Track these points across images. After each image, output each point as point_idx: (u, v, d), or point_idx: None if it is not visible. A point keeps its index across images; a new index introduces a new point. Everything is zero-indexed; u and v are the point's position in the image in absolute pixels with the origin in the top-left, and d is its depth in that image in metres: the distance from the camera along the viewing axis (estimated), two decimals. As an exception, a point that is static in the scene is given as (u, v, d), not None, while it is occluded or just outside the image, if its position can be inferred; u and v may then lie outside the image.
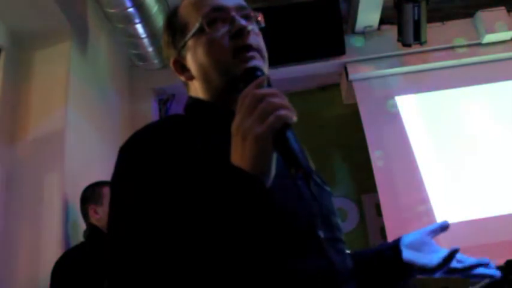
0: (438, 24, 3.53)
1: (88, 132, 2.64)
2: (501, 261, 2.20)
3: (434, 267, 0.87)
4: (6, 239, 2.13)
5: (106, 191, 2.03)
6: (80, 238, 2.10)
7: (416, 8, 3.16)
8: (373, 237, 3.35)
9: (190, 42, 0.81)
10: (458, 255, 0.88)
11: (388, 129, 3.37)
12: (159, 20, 2.92)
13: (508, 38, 3.52)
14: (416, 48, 3.37)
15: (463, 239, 2.53)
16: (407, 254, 0.90)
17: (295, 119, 0.59)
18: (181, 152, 0.68)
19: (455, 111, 3.42)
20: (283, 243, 0.66)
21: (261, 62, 0.78)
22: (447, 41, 3.52)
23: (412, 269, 0.90)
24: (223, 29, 0.79)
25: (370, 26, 3.53)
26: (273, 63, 0.90)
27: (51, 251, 2.06)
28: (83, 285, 1.74)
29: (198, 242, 0.58)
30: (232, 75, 0.76)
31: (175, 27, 0.85)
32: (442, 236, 0.93)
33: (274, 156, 0.60)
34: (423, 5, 3.15)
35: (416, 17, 3.18)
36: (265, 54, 0.81)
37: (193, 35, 0.81)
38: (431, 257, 0.88)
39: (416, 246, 0.91)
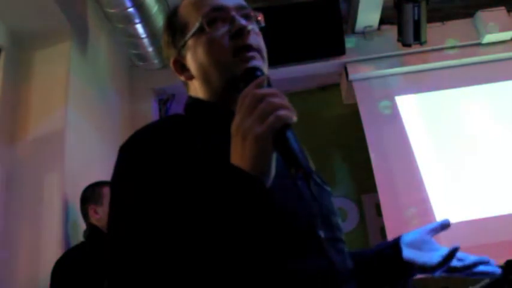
0: (438, 24, 3.53)
1: (88, 132, 2.64)
2: (501, 261, 2.19)
3: (435, 265, 0.86)
4: (6, 239, 2.13)
5: (106, 191, 2.03)
6: (80, 238, 2.10)
7: (416, 8, 3.15)
8: (373, 237, 3.35)
9: (190, 42, 0.81)
10: (459, 254, 0.87)
11: (388, 129, 3.37)
12: (159, 20, 2.92)
13: (508, 38, 3.51)
14: (416, 48, 3.37)
15: (463, 239, 2.49)
16: (407, 253, 0.89)
17: (295, 119, 0.58)
18: (181, 152, 0.68)
19: (455, 111, 3.42)
20: (283, 243, 0.66)
21: (261, 62, 0.78)
22: (447, 41, 3.52)
23: (413, 267, 0.89)
24: (223, 29, 0.79)
25: (370, 26, 3.53)
26: (273, 63, 0.90)
27: (51, 251, 2.06)
28: (83, 285, 1.74)
29: (198, 242, 0.58)
30: (232, 75, 0.76)
31: (175, 27, 0.85)
32: (442, 236, 0.93)
33: (274, 156, 0.60)
34: (423, 5, 3.15)
35: (416, 17, 3.18)
36: (265, 54, 0.81)
37: (193, 35, 0.80)
38: (432, 256, 0.87)
39: (417, 245, 0.90)
